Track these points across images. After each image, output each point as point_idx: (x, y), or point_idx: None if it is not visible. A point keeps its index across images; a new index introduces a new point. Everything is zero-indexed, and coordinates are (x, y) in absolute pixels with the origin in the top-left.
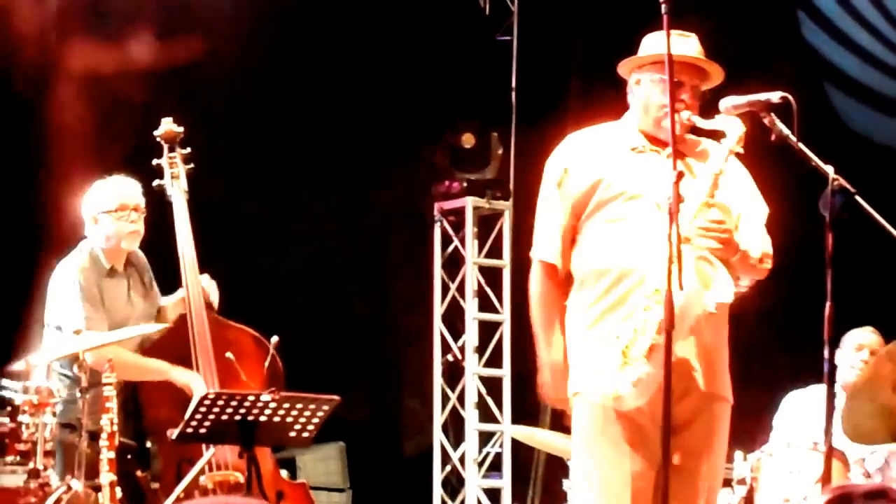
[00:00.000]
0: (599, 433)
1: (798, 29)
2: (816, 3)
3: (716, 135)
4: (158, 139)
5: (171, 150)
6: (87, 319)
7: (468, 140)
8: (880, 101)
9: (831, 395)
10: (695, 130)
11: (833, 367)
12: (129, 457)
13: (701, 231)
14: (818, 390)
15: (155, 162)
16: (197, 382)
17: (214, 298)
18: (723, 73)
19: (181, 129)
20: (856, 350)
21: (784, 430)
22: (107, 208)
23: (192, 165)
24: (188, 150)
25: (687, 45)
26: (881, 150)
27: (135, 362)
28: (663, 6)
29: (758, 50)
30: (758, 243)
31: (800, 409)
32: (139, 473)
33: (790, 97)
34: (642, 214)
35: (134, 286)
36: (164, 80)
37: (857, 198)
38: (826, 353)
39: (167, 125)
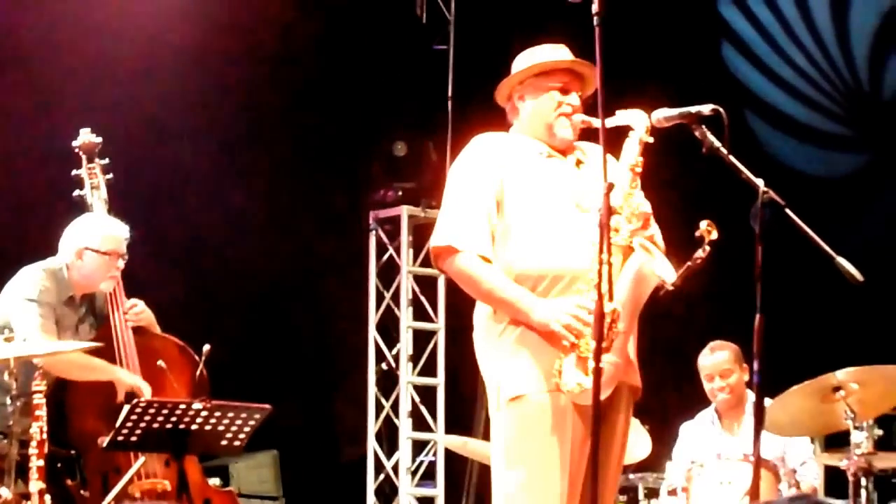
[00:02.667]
0: (545, 435)
1: (720, 56)
2: (738, 31)
3: (619, 131)
4: (77, 150)
5: (90, 160)
6: (41, 325)
7: (401, 148)
8: (797, 129)
9: (760, 408)
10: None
11: (762, 380)
12: (58, 465)
13: (631, 220)
14: (706, 415)
15: (74, 173)
16: (142, 384)
17: (145, 318)
18: (594, 74)
19: (99, 139)
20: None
21: (683, 459)
22: (99, 248)
23: (111, 175)
24: (106, 160)
25: (562, 52)
26: (797, 177)
27: (81, 362)
28: (595, 18)
29: (681, 75)
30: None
31: (694, 433)
32: (69, 482)
33: (721, 109)
34: (564, 217)
35: (84, 319)
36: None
37: (787, 210)
38: (755, 366)
39: (85, 136)
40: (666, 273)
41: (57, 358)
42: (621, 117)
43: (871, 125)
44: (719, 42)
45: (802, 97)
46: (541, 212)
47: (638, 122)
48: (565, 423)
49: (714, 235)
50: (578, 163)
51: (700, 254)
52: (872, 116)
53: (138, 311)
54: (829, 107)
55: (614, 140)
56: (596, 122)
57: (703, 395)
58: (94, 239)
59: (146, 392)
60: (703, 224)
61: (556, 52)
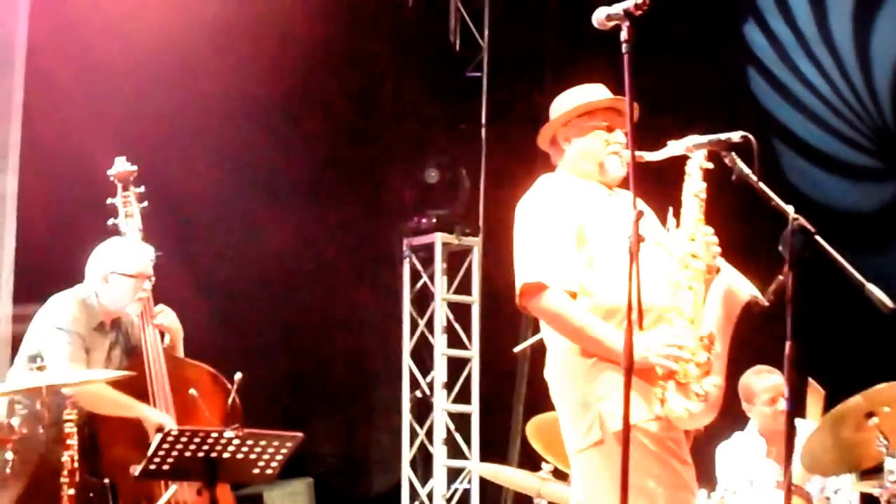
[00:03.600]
0: (659, 463)
1: (748, 85)
2: (763, 60)
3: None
4: (112, 178)
5: (125, 188)
6: (70, 354)
7: (434, 175)
8: (822, 159)
9: (791, 434)
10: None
11: (793, 406)
12: (91, 495)
13: (709, 244)
14: (741, 437)
15: (109, 201)
16: (169, 422)
17: (174, 326)
18: (638, 112)
19: (135, 167)
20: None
21: (726, 479)
22: (125, 271)
23: (146, 204)
24: (142, 188)
25: (600, 90)
26: (821, 209)
27: (109, 396)
28: (624, 45)
29: (709, 102)
30: None
31: (733, 456)
32: None
33: (751, 136)
34: (642, 252)
35: (115, 345)
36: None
37: (817, 237)
38: (786, 392)
39: (121, 164)
40: (753, 289)
41: (86, 390)
42: (673, 147)
43: (894, 156)
44: (745, 70)
45: (826, 126)
46: (621, 247)
47: (693, 149)
48: (677, 443)
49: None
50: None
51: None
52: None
53: (167, 319)
54: (853, 137)
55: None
56: (649, 156)
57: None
58: (120, 262)
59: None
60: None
61: (595, 92)
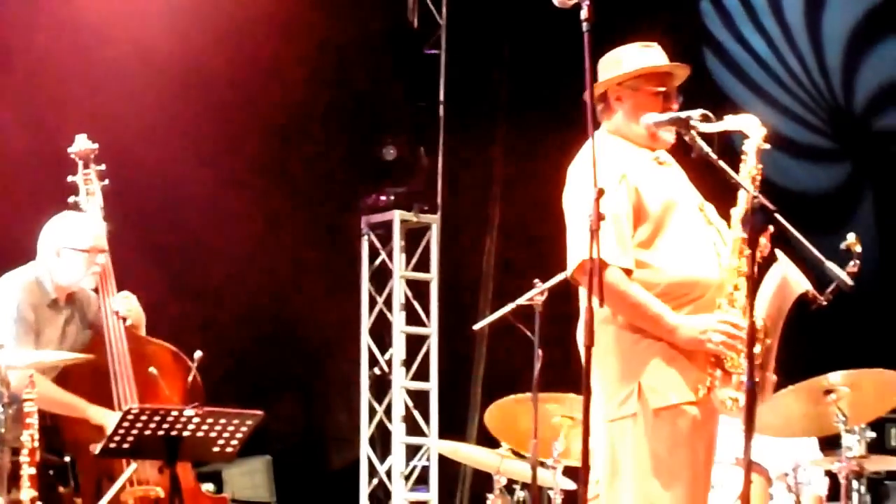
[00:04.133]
0: (698, 446)
1: (704, 63)
2: (718, 38)
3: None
4: (73, 156)
5: (86, 166)
6: (16, 338)
7: (392, 153)
8: (780, 141)
9: (751, 412)
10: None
11: (752, 383)
12: (51, 472)
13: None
14: None
15: (70, 179)
16: (112, 418)
17: (134, 313)
18: (687, 74)
19: (96, 145)
20: None
21: None
22: (77, 246)
23: (106, 182)
24: (103, 166)
25: (659, 53)
26: (776, 190)
27: (54, 395)
28: (584, 24)
29: None
30: None
31: None
32: (61, 489)
33: (710, 114)
34: (692, 224)
35: (71, 321)
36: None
37: (778, 216)
38: (747, 371)
39: (82, 142)
40: (808, 284)
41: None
42: (731, 122)
43: (847, 137)
44: (701, 49)
45: (779, 106)
46: (679, 221)
47: (752, 128)
48: (710, 434)
49: (859, 248)
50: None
51: (851, 267)
52: (847, 128)
53: (129, 305)
54: (805, 117)
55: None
56: (702, 127)
57: None
58: (71, 237)
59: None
60: (851, 237)
61: (653, 54)
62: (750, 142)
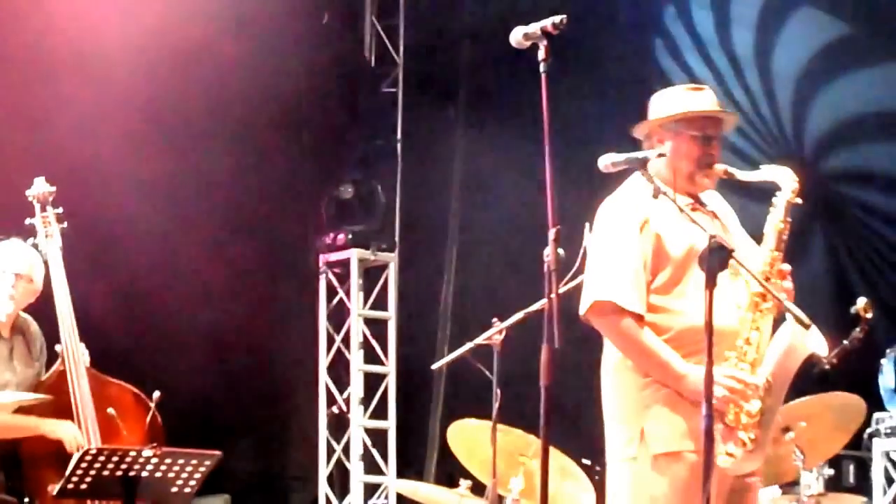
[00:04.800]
0: (686, 494)
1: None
2: (669, 75)
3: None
4: (31, 199)
5: (44, 209)
6: None
7: (348, 191)
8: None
9: (710, 449)
10: (728, 184)
11: (711, 421)
12: None
13: (781, 284)
14: None
15: (28, 221)
16: (66, 428)
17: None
18: (736, 120)
19: (53, 188)
20: None
21: None
22: None
23: (65, 224)
24: (60, 209)
25: (708, 97)
26: None
27: (7, 423)
28: (542, 65)
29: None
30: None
31: None
32: None
33: (667, 154)
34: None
35: (17, 353)
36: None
37: (734, 256)
38: (704, 410)
39: (40, 185)
40: (818, 346)
41: None
42: (766, 173)
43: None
44: (651, 85)
45: (728, 144)
46: (689, 268)
47: (785, 181)
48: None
49: (870, 314)
50: (713, 214)
51: (858, 333)
52: (797, 167)
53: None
54: (755, 156)
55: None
56: (739, 174)
57: None
58: None
59: (67, 438)
60: (861, 302)
61: (698, 98)
62: (781, 195)
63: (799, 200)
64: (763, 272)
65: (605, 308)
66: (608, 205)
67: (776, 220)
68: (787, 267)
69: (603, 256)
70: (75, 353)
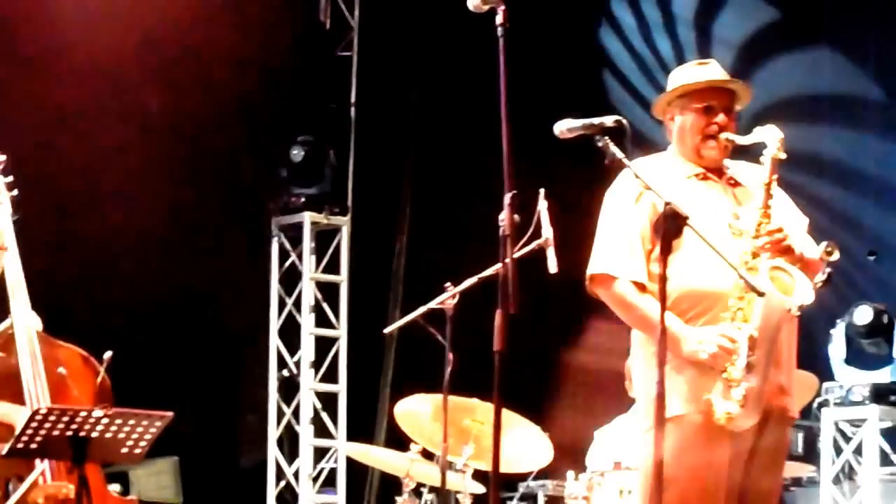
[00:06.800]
0: (701, 455)
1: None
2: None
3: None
4: None
5: None
6: None
7: (298, 154)
8: None
9: (661, 411)
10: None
11: (663, 389)
12: None
13: (766, 245)
14: (622, 419)
15: None
16: (18, 415)
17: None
18: (750, 91)
19: (3, 156)
20: None
21: (598, 462)
22: None
23: (15, 192)
24: (11, 178)
25: (710, 70)
26: None
27: None
28: (499, 29)
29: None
30: (811, 244)
31: (608, 439)
32: None
33: (624, 121)
34: (714, 237)
35: None
36: None
37: (690, 223)
38: (657, 375)
39: None
40: (803, 296)
41: None
42: (757, 134)
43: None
44: (600, 71)
45: None
46: (691, 234)
47: (771, 138)
48: (720, 444)
49: (835, 256)
50: (733, 183)
51: (821, 277)
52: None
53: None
54: None
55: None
56: (740, 140)
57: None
58: None
59: (20, 424)
60: (823, 245)
61: (700, 71)
62: (766, 152)
63: (783, 155)
64: (756, 230)
65: (601, 280)
66: (613, 185)
67: (763, 178)
68: (774, 224)
69: (600, 230)
70: (25, 320)
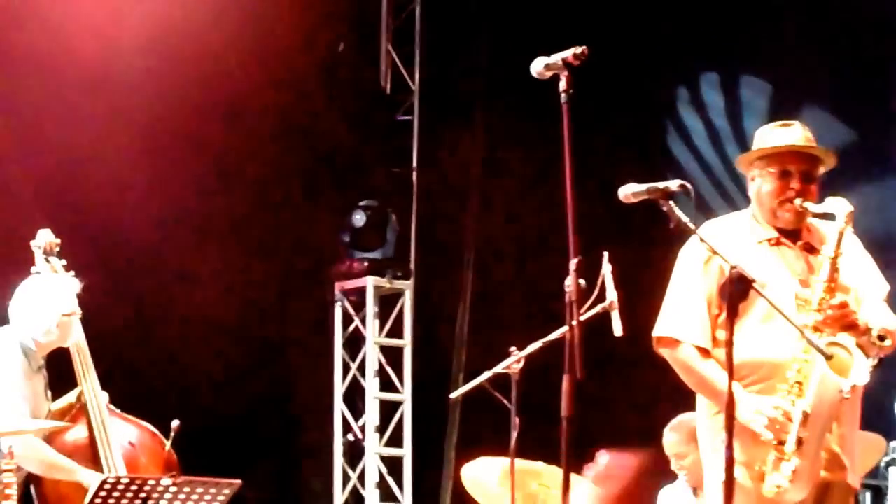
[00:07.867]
0: None
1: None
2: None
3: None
4: (35, 248)
5: (47, 260)
6: (13, 407)
7: (360, 219)
8: None
9: (730, 478)
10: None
11: (731, 450)
12: None
13: (828, 320)
14: (670, 490)
15: (34, 270)
16: (91, 479)
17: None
18: (833, 156)
19: (58, 240)
20: None
21: None
22: (66, 310)
23: (73, 273)
24: (65, 262)
25: (790, 133)
26: None
27: (47, 458)
28: (563, 95)
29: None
30: (878, 320)
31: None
32: None
33: (689, 185)
34: (781, 306)
35: (48, 384)
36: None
37: (755, 286)
38: (725, 440)
39: (44, 236)
40: (857, 377)
41: (24, 449)
42: (828, 204)
43: None
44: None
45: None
46: (757, 302)
47: (840, 210)
48: None
49: (888, 342)
50: (810, 249)
51: (873, 361)
52: None
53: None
54: None
55: None
56: (813, 208)
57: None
58: (61, 302)
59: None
60: (876, 330)
61: (781, 133)
62: (834, 225)
63: (850, 229)
64: (819, 303)
65: (666, 342)
66: (685, 246)
67: (829, 251)
68: (838, 300)
69: (669, 292)
70: (96, 391)
